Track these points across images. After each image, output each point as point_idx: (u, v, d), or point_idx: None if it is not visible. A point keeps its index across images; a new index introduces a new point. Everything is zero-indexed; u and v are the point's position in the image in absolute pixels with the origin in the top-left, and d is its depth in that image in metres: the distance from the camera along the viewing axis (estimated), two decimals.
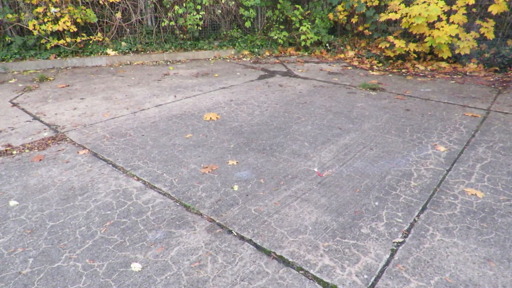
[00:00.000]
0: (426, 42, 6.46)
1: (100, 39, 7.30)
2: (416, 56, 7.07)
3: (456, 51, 6.50)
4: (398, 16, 6.64)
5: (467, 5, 6.27)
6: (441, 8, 6.16)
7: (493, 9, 6.07)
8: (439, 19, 6.32)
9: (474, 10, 6.47)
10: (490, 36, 6.28)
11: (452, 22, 6.31)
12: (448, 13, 6.40)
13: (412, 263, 1.92)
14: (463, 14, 6.29)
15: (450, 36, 6.22)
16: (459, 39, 6.41)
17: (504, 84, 5.59)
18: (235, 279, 1.82)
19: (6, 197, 2.56)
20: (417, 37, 6.78)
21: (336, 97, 5.02)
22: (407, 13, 6.51)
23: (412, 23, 6.46)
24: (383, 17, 6.98)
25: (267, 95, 5.09)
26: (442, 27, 6.22)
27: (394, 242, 2.08)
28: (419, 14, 6.14)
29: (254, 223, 2.27)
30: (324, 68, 7.01)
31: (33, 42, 6.72)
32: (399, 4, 6.77)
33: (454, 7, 6.31)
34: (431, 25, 6.44)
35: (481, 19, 6.48)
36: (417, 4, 6.32)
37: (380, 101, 4.80)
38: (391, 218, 2.30)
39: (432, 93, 5.14)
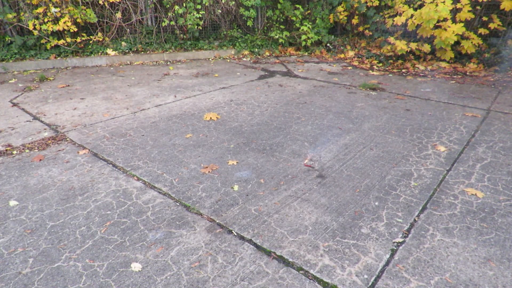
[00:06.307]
0: (434, 43, 6.44)
1: (100, 39, 7.30)
2: (417, 55, 7.06)
3: (463, 51, 6.48)
4: (403, 19, 6.63)
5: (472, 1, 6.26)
6: (448, 7, 6.15)
7: (506, 6, 5.96)
8: (444, 19, 6.31)
9: (478, 7, 6.45)
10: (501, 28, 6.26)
11: (460, 20, 6.29)
12: (452, 12, 6.40)
13: (412, 263, 1.92)
14: (469, 11, 6.28)
15: (458, 35, 6.20)
16: (463, 38, 6.40)
17: (504, 84, 5.58)
18: (235, 279, 1.82)
19: (6, 197, 2.56)
20: (418, 37, 6.77)
21: (336, 97, 5.02)
22: (412, 15, 6.50)
23: (418, 25, 6.44)
24: (389, 22, 6.98)
25: (267, 95, 5.09)
26: (449, 26, 6.20)
27: (394, 242, 2.08)
28: (437, 18, 6.06)
29: (254, 223, 2.27)
30: (324, 68, 7.01)
31: (33, 42, 6.72)
32: (402, 5, 6.76)
33: (458, 5, 6.29)
34: (436, 25, 6.43)
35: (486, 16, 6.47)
36: (427, 3, 6.28)
37: (380, 101, 4.80)
38: (391, 218, 2.30)
39: (432, 93, 5.14)
